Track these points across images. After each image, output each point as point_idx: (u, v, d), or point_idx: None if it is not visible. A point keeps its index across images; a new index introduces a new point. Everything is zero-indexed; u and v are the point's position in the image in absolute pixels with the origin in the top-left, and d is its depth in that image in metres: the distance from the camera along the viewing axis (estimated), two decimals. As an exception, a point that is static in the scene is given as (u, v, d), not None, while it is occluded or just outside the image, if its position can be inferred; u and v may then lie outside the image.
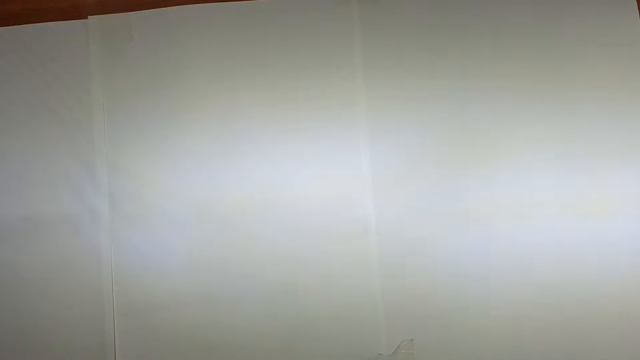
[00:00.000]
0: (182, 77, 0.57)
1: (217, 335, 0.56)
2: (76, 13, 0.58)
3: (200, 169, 0.57)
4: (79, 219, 0.56)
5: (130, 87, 0.57)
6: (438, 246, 0.56)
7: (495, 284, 0.56)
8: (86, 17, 0.58)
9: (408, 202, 0.56)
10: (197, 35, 0.57)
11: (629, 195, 0.56)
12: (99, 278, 0.56)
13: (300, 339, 0.56)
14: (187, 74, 0.57)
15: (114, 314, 0.56)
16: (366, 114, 0.57)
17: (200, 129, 0.56)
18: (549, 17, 0.57)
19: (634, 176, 0.56)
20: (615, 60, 0.57)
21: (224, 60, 0.57)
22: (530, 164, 0.53)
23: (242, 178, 0.57)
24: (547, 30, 0.57)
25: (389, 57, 0.57)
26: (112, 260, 0.56)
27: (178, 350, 0.56)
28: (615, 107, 0.56)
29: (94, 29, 0.57)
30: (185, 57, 0.57)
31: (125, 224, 0.56)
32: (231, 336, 0.56)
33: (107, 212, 0.56)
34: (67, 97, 0.57)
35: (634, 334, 0.56)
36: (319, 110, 0.57)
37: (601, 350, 0.56)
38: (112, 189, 0.56)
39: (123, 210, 0.56)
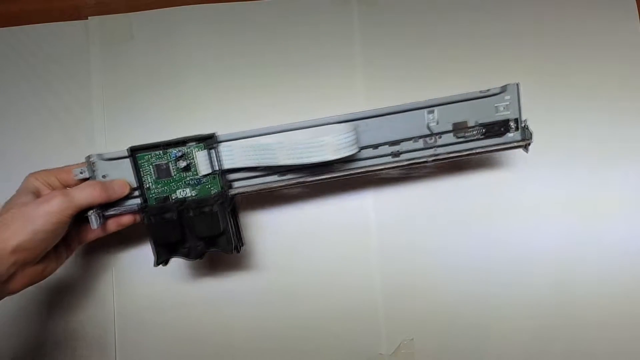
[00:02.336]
0: (182, 77, 0.57)
1: (217, 336, 0.56)
2: (76, 13, 0.58)
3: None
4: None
5: (130, 87, 0.57)
6: (438, 246, 0.56)
7: (495, 283, 0.56)
8: (86, 18, 0.58)
9: (408, 202, 0.56)
10: (197, 35, 0.57)
11: (629, 195, 0.56)
12: (100, 278, 0.56)
13: (300, 339, 0.56)
14: (187, 74, 0.57)
15: (114, 314, 0.56)
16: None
17: (200, 129, 0.56)
18: (549, 17, 0.57)
19: (634, 176, 0.56)
20: (615, 61, 0.57)
21: (224, 60, 0.57)
22: (530, 163, 0.53)
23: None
24: (547, 30, 0.57)
25: (389, 57, 0.57)
26: (112, 260, 0.56)
27: (178, 350, 0.56)
28: (615, 107, 0.56)
29: (94, 29, 0.57)
30: (185, 57, 0.57)
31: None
32: (231, 336, 0.56)
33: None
34: (68, 98, 0.57)
35: (634, 334, 0.56)
36: (319, 110, 0.57)
37: (601, 350, 0.56)
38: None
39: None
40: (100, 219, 0.46)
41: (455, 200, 0.56)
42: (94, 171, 0.47)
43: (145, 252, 0.56)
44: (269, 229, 0.56)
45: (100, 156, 0.47)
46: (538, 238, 0.56)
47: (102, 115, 0.57)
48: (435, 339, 0.56)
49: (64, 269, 0.56)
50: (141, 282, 0.56)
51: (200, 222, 0.46)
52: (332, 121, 0.47)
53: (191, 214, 0.46)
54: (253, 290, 0.56)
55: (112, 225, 0.48)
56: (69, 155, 0.56)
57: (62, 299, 0.56)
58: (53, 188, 0.45)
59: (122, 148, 0.53)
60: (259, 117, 0.56)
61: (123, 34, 0.57)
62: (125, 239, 0.56)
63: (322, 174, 0.48)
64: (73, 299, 0.56)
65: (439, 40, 0.57)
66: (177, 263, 0.56)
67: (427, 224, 0.56)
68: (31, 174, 0.45)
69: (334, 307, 0.56)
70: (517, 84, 0.46)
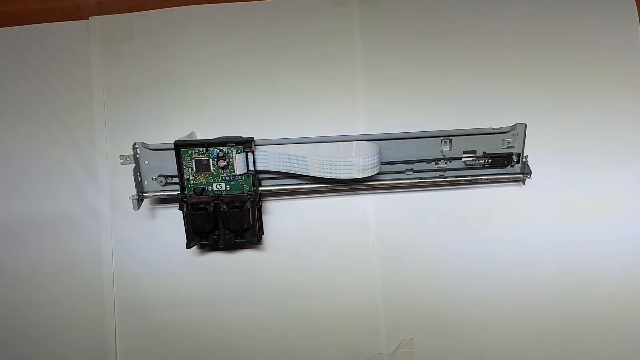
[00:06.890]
0: (182, 77, 0.57)
1: (217, 335, 0.56)
2: (77, 14, 0.58)
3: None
4: (80, 218, 0.57)
5: (130, 87, 0.57)
6: (438, 246, 0.56)
7: (495, 283, 0.56)
8: (87, 18, 0.58)
9: (409, 202, 0.56)
10: (197, 35, 0.57)
11: (629, 195, 0.56)
12: (100, 277, 0.56)
13: (300, 338, 0.56)
14: (187, 74, 0.57)
15: (115, 313, 0.56)
16: (366, 113, 0.57)
17: (200, 129, 0.56)
18: (549, 17, 0.57)
19: (633, 176, 0.56)
20: (615, 61, 0.57)
21: (224, 60, 0.57)
22: (530, 163, 0.53)
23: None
24: (547, 30, 0.57)
25: (389, 57, 0.57)
26: (113, 260, 0.56)
27: (178, 349, 0.56)
28: (615, 107, 0.56)
29: (94, 29, 0.58)
30: (185, 57, 0.57)
31: (126, 224, 0.57)
32: (231, 336, 0.56)
33: (108, 211, 0.57)
34: (68, 97, 0.57)
35: (633, 334, 0.56)
36: (319, 110, 0.57)
37: (601, 350, 0.56)
38: (113, 188, 0.57)
39: (124, 210, 0.56)
40: (139, 202, 0.52)
41: (455, 200, 0.56)
42: (137, 158, 0.51)
43: (145, 252, 0.57)
44: (269, 230, 0.56)
45: (145, 145, 0.51)
46: (537, 238, 0.56)
47: (102, 115, 0.57)
48: (435, 339, 0.56)
49: (65, 269, 0.56)
50: (141, 282, 0.56)
51: (232, 217, 0.50)
52: (359, 139, 0.51)
53: (225, 207, 0.50)
54: (253, 290, 0.56)
55: None
56: (70, 154, 0.57)
57: (62, 299, 0.56)
58: None
59: (123, 148, 0.53)
60: (260, 117, 0.57)
61: (124, 34, 0.58)
62: (125, 238, 0.56)
63: (343, 185, 0.54)
64: (74, 299, 0.56)
65: (439, 40, 0.57)
66: (176, 264, 0.56)
67: (427, 224, 0.56)
68: None
69: (334, 307, 0.56)
70: (525, 124, 0.52)
